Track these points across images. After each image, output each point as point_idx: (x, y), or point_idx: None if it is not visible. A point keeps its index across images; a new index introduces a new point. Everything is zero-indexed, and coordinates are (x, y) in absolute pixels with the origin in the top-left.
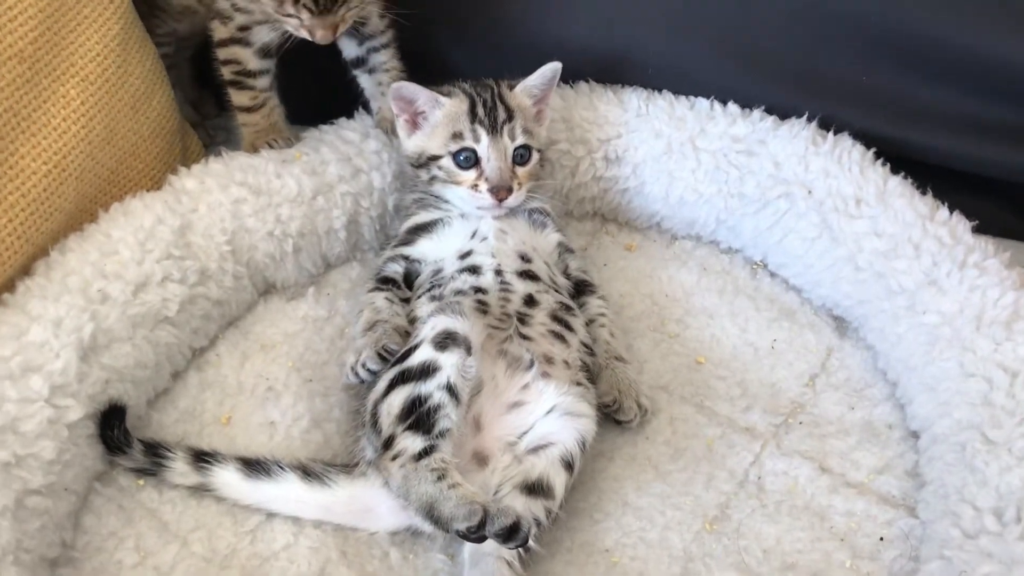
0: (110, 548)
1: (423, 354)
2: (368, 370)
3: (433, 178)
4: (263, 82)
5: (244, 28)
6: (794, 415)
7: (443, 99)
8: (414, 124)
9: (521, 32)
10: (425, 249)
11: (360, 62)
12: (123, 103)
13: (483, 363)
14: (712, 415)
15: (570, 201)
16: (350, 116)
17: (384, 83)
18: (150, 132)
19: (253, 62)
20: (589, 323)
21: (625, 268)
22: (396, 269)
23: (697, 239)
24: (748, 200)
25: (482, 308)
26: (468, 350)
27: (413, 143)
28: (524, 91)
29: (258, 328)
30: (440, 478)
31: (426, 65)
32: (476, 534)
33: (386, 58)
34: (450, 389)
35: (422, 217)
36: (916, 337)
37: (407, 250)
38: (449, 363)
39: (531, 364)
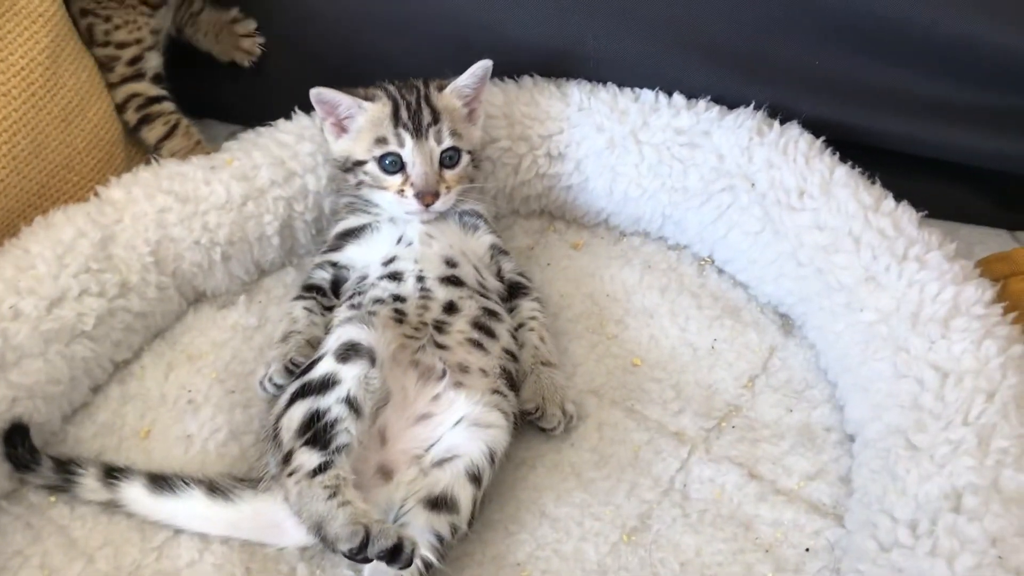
0: (14, 567)
1: (325, 367)
2: (275, 384)
3: (360, 183)
4: (168, 105)
5: (135, 61)
6: (728, 418)
7: (365, 104)
8: (340, 128)
9: (463, 26)
10: (353, 255)
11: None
12: (52, 116)
13: (393, 374)
14: (642, 419)
15: (515, 199)
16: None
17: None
18: (85, 144)
19: (152, 90)
20: (519, 327)
21: (568, 267)
22: (323, 276)
23: (645, 235)
24: (692, 194)
25: (398, 317)
26: (372, 361)
27: (339, 147)
28: (454, 92)
29: (186, 338)
30: (332, 496)
31: (361, 61)
32: (359, 555)
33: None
34: (350, 403)
35: (351, 222)
36: (853, 336)
37: (335, 256)
38: (350, 375)
39: (443, 374)
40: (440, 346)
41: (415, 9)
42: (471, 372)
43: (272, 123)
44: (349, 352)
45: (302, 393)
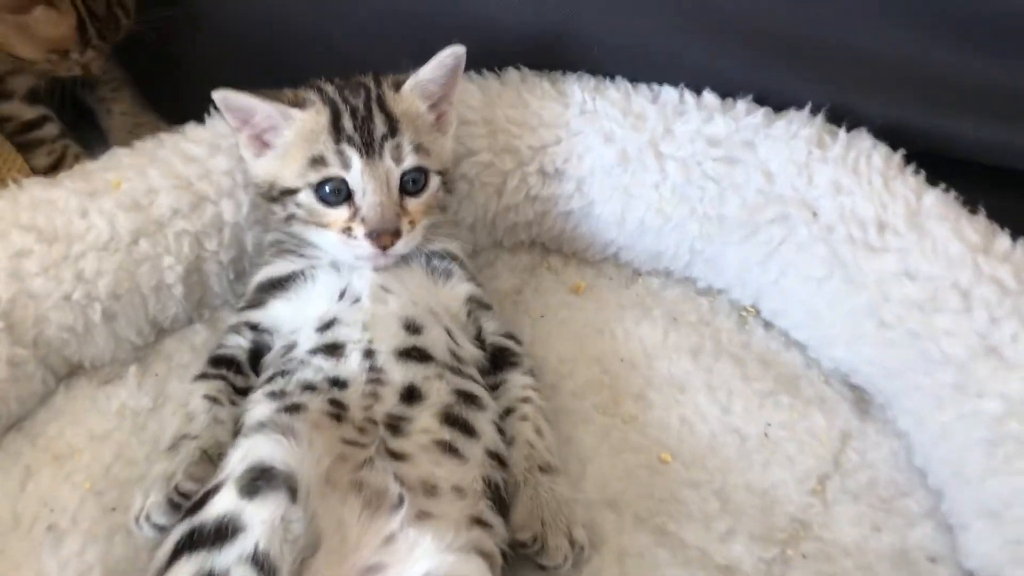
0: None
1: (223, 503)
2: (154, 524)
3: (291, 216)
4: (50, 130)
5: None
6: (794, 543)
7: (293, 111)
8: (261, 142)
9: (430, 8)
10: (279, 314)
11: None
12: None
13: (326, 504)
14: (679, 547)
15: (498, 229)
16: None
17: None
18: None
19: (26, 111)
20: (507, 413)
21: (568, 320)
22: (239, 343)
23: (667, 275)
24: (731, 225)
25: (336, 412)
26: (292, 493)
27: (262, 169)
28: (415, 89)
29: (52, 430)
30: None
31: (307, 57)
32: None
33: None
34: (258, 562)
35: (277, 269)
36: (969, 432)
37: (255, 315)
38: (259, 519)
39: (400, 501)
40: (396, 455)
41: None
42: (440, 494)
43: (178, 128)
44: (258, 481)
45: (191, 544)
